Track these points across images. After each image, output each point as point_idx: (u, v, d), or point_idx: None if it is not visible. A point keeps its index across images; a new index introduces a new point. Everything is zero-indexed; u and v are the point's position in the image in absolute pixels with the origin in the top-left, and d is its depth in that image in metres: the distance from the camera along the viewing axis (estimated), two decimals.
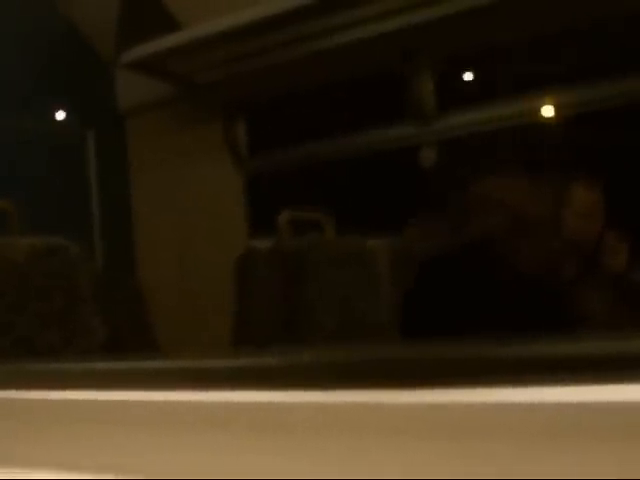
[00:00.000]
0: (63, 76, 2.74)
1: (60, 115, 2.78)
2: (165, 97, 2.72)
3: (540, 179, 2.00)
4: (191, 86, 2.71)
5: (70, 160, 2.86)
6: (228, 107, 2.73)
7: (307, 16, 2.31)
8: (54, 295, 1.81)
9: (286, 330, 2.12)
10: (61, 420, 0.90)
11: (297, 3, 2.19)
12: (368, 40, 2.43)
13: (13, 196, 2.13)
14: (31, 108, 2.83)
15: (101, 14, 2.66)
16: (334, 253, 2.18)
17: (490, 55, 2.39)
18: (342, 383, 0.67)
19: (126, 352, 0.99)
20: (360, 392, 0.66)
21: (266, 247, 2.23)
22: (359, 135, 2.62)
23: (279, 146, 2.74)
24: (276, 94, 2.71)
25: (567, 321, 1.92)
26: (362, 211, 2.49)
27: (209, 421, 0.76)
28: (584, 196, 1.93)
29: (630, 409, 0.54)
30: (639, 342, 0.58)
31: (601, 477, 0.55)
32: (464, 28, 2.30)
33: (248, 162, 2.74)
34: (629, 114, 2.14)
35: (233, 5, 2.28)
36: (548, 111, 2.28)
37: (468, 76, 2.45)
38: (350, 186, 2.63)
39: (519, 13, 2.18)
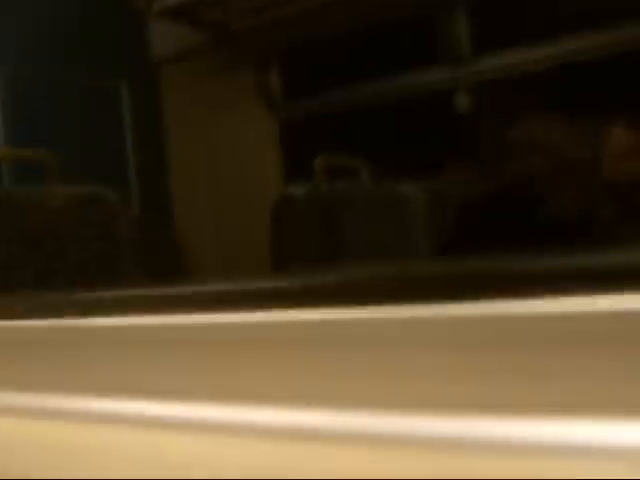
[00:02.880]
0: (96, 25, 2.73)
1: (93, 64, 2.78)
2: (199, 45, 2.71)
3: (579, 120, 1.98)
4: (225, 33, 2.69)
5: (104, 110, 2.86)
6: (262, 53, 2.71)
7: None
8: (93, 243, 1.83)
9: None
10: (109, 345, 0.91)
11: None
12: None
13: (49, 146, 2.14)
14: (64, 58, 2.83)
15: None
16: (369, 198, 2.18)
17: None
18: (388, 299, 0.67)
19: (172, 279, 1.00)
20: (404, 307, 0.66)
21: (302, 193, 2.24)
22: (394, 79, 2.60)
23: (313, 92, 2.73)
24: (310, 39, 2.68)
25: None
26: (397, 157, 2.47)
27: (258, 341, 0.76)
28: (624, 136, 1.91)
29: None
30: None
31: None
32: None
33: (282, 108, 2.73)
34: None
35: None
36: (587, 51, 2.24)
37: (504, 16, 2.41)
38: (385, 131, 2.61)
39: None
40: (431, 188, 2.32)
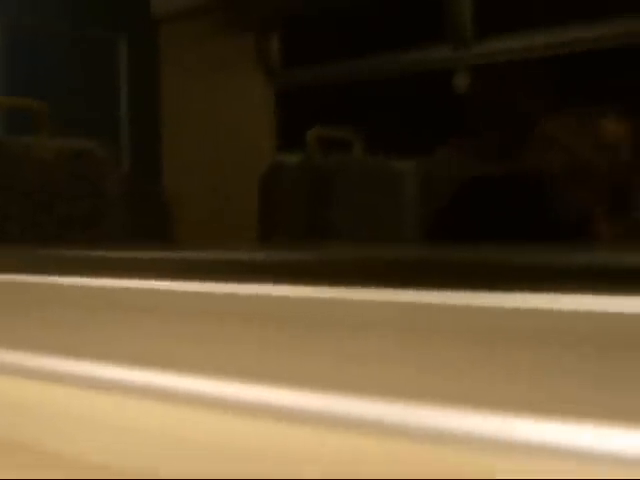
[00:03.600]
0: None
1: (93, 17, 2.75)
2: (200, 4, 2.68)
3: (574, 111, 1.98)
4: None
5: (101, 64, 2.84)
6: (263, 18, 2.69)
7: None
8: (80, 197, 1.82)
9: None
10: (82, 305, 0.90)
11: None
12: None
13: (44, 98, 2.12)
14: (63, 9, 2.81)
15: None
16: (361, 172, 2.17)
17: None
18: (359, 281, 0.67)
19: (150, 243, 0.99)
20: (378, 291, 0.66)
21: (293, 163, 2.23)
22: (395, 55, 2.58)
23: (313, 61, 2.71)
24: (313, 8, 2.66)
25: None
26: (393, 132, 2.46)
27: (223, 312, 0.76)
28: (614, 129, 1.91)
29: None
30: None
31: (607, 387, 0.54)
32: None
33: (280, 76, 2.71)
34: None
35: None
36: (587, 43, 2.24)
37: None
38: (382, 106, 2.60)
39: None
40: (424, 165, 2.31)
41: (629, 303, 0.54)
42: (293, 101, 2.71)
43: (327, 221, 2.12)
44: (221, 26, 2.71)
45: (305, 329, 0.69)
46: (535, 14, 2.36)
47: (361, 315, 0.66)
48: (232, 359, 0.74)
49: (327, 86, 2.67)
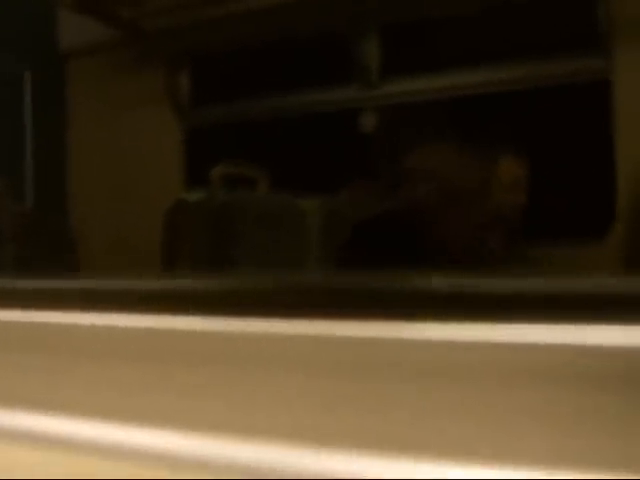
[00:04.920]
0: (3, 9, 2.67)
1: None
2: (109, 41, 2.67)
3: (472, 151, 2.01)
4: (136, 32, 2.66)
5: (5, 99, 2.79)
6: (172, 56, 2.69)
7: None
8: None
9: None
10: None
11: None
12: None
13: None
14: None
15: None
16: (263, 210, 2.17)
17: (438, 25, 2.38)
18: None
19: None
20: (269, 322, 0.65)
21: (195, 199, 2.22)
22: (303, 94, 2.60)
23: (221, 100, 2.71)
24: (222, 47, 2.67)
25: None
26: (299, 171, 2.47)
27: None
28: (511, 170, 1.95)
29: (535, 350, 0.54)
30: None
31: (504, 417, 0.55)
32: None
33: (189, 114, 2.71)
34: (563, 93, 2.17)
35: None
36: (487, 85, 2.28)
37: (415, 43, 2.43)
38: (290, 145, 2.61)
39: None
40: (328, 204, 2.32)
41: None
42: (201, 138, 2.70)
43: (229, 258, 2.11)
44: (130, 62, 2.70)
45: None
46: (442, 57, 2.40)
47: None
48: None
49: (235, 124, 2.68)
